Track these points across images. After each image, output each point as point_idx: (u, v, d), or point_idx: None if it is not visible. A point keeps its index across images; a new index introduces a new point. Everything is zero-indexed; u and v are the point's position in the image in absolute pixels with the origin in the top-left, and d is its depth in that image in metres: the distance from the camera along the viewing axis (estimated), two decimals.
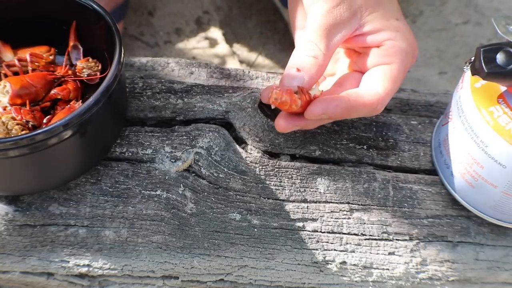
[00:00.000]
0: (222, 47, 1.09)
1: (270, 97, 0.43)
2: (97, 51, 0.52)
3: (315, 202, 0.51)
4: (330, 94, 0.46)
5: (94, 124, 0.45)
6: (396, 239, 0.50)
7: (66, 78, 0.51)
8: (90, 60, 0.52)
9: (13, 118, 0.46)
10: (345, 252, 0.50)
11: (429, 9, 1.22)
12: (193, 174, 0.51)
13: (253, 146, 0.53)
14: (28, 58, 0.51)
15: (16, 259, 0.48)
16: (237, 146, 0.53)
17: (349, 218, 0.51)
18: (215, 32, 1.11)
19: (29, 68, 0.51)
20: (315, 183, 0.52)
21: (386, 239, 0.50)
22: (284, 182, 0.52)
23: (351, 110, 0.44)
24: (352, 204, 0.51)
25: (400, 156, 0.55)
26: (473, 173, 0.48)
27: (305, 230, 0.50)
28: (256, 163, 0.52)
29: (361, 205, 0.51)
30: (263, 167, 0.52)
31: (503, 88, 0.45)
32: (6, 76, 0.50)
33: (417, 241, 0.51)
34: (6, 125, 0.46)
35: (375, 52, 0.46)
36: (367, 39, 0.47)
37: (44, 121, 0.48)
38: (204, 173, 0.51)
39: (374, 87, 0.45)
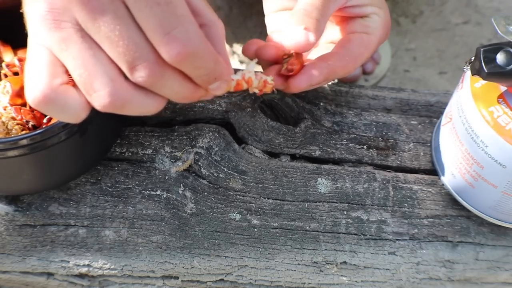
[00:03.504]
0: None
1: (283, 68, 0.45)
2: None
3: (315, 202, 0.51)
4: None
5: (94, 124, 0.44)
6: (396, 239, 0.50)
7: None
8: None
9: (13, 118, 0.46)
10: (345, 252, 0.50)
11: (429, 9, 1.22)
12: (193, 174, 0.51)
13: (253, 146, 0.53)
14: None
15: (16, 259, 0.48)
16: (237, 146, 0.53)
17: (349, 218, 0.51)
18: None
19: None
20: (315, 183, 0.52)
21: (386, 239, 0.50)
22: (284, 182, 0.52)
23: (331, 74, 0.47)
24: (352, 204, 0.51)
25: (400, 156, 0.55)
26: (473, 173, 0.48)
27: (305, 230, 0.50)
28: (256, 163, 0.52)
29: (361, 205, 0.51)
30: (263, 167, 0.52)
31: (503, 88, 0.45)
32: (6, 76, 0.50)
33: (417, 241, 0.51)
34: (6, 125, 0.46)
35: (359, 22, 0.50)
36: (355, 10, 0.50)
37: (44, 121, 0.48)
38: (204, 173, 0.51)
39: (354, 50, 0.48)
